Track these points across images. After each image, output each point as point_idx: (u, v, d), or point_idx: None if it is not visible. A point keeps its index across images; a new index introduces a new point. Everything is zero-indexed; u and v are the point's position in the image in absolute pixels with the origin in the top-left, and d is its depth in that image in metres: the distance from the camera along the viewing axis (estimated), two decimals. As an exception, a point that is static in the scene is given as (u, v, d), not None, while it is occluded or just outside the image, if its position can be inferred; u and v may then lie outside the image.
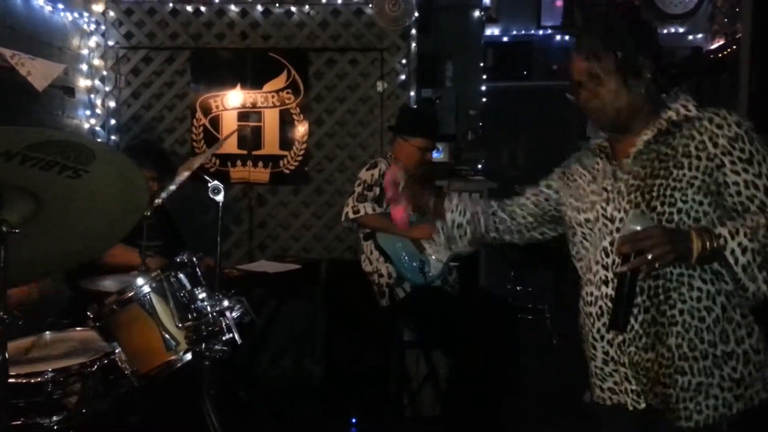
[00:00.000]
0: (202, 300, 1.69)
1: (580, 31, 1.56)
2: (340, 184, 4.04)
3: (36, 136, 1.15)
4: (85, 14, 3.92)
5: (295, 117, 4.03)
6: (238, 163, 4.03)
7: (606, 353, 1.49)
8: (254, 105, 4.03)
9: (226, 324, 1.68)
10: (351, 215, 2.95)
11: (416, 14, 3.94)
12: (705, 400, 1.39)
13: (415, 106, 3.95)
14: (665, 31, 5.76)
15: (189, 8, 3.98)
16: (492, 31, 5.77)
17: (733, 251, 1.32)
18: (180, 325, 1.67)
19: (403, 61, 3.99)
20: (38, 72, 3.14)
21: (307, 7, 3.98)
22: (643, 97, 1.48)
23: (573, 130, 5.97)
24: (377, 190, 2.98)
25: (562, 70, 5.90)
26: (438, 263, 2.89)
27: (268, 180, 4.05)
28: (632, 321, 1.42)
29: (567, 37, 5.85)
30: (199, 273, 1.81)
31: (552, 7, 5.82)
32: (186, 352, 1.69)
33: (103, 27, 3.98)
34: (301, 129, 4.03)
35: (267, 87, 4.02)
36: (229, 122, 4.03)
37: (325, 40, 4.00)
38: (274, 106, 4.03)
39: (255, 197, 4.06)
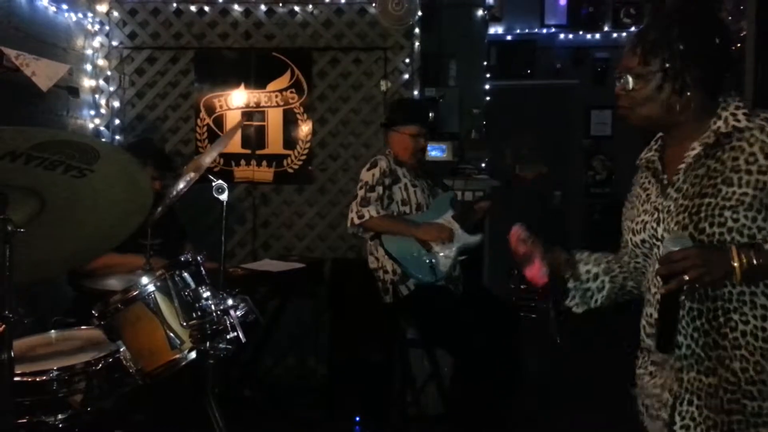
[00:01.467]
0: (207, 299, 1.70)
1: (643, 23, 1.52)
2: (343, 184, 4.04)
3: (41, 136, 1.16)
4: (89, 14, 3.93)
5: (298, 116, 4.04)
6: (242, 162, 4.04)
7: (647, 381, 1.45)
8: (258, 104, 4.04)
9: (231, 323, 1.69)
10: (356, 221, 2.94)
11: (419, 13, 3.94)
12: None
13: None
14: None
15: (193, 8, 3.99)
16: (495, 29, 5.76)
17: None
18: (184, 323, 1.68)
19: (407, 60, 3.99)
20: (43, 72, 3.16)
21: (310, 6, 3.98)
22: (685, 108, 1.41)
23: (577, 129, 5.97)
24: (380, 189, 2.97)
25: (565, 69, 5.90)
26: (446, 260, 2.88)
27: (272, 179, 4.06)
28: (693, 345, 1.36)
29: (570, 36, 5.84)
30: (203, 272, 1.82)
31: (556, 6, 5.81)
32: (190, 350, 1.70)
33: (107, 27, 3.99)
34: (304, 128, 4.04)
35: (270, 86, 4.03)
36: (233, 122, 4.03)
37: (328, 39, 4.01)
38: (278, 106, 4.04)
39: (259, 196, 4.07)
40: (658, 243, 1.42)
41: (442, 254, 2.89)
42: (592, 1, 5.80)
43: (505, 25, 5.84)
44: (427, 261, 2.87)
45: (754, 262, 1.26)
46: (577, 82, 5.88)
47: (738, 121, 1.37)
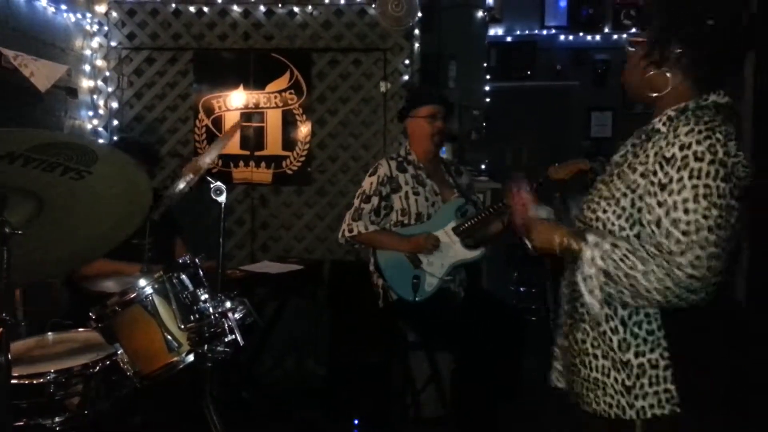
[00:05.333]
0: (205, 301, 1.69)
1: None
2: (342, 185, 4.03)
3: (39, 138, 1.15)
4: (88, 15, 3.92)
5: (297, 117, 4.03)
6: (241, 163, 4.03)
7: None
8: (257, 105, 4.03)
9: (229, 325, 1.67)
10: (347, 234, 2.93)
11: (419, 14, 3.93)
12: (603, 396, 1.43)
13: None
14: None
15: (192, 9, 3.98)
16: (496, 31, 5.76)
17: (583, 260, 1.35)
18: (182, 326, 1.67)
19: (407, 62, 3.98)
20: (41, 73, 3.15)
21: (309, 7, 3.97)
22: (661, 86, 1.39)
23: (577, 130, 5.96)
24: (375, 200, 2.92)
25: (565, 71, 5.90)
26: (433, 279, 2.82)
27: (271, 181, 4.04)
28: (563, 308, 1.54)
29: (571, 37, 5.84)
30: (202, 274, 1.81)
31: (556, 8, 5.81)
32: (188, 353, 1.69)
33: (105, 28, 3.98)
34: (303, 129, 4.03)
35: (270, 87, 4.02)
36: (232, 123, 4.02)
37: (327, 40, 4.00)
38: (277, 107, 4.03)
39: (257, 198, 4.05)
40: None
41: (429, 272, 2.83)
42: (592, 3, 5.80)
43: (505, 27, 5.84)
44: (412, 278, 2.79)
45: (571, 248, 1.38)
46: (577, 83, 5.88)
47: (660, 122, 1.38)
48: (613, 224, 1.38)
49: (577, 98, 5.93)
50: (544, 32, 5.87)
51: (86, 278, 2.57)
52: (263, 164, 4.03)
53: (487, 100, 5.12)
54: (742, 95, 3.08)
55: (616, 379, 1.41)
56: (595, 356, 1.43)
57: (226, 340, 1.67)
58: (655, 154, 1.32)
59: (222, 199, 1.99)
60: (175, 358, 1.67)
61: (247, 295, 1.87)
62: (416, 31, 3.98)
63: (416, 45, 3.99)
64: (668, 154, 1.29)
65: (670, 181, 1.27)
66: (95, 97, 3.98)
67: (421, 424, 3.20)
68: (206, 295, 1.69)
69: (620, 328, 1.40)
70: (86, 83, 3.94)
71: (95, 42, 3.97)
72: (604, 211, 1.39)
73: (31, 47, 3.22)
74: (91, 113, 3.97)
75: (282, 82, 4.01)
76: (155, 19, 3.99)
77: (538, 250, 1.49)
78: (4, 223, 1.23)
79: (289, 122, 4.03)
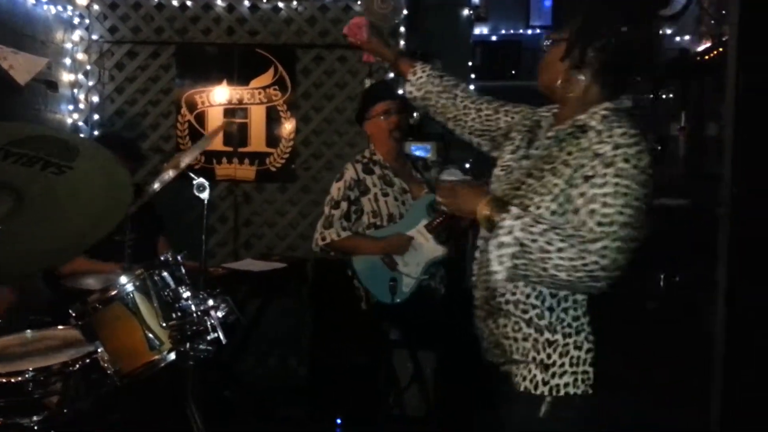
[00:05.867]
0: (187, 299, 1.67)
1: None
2: (326, 183, 3.99)
3: (19, 132, 1.12)
4: (69, 7, 3.86)
5: (282, 114, 4.00)
6: (224, 160, 4.00)
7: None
8: (240, 101, 3.99)
9: (211, 323, 1.65)
10: (320, 242, 2.90)
11: (405, 12, 3.92)
12: (520, 370, 1.50)
13: None
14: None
15: (175, 2, 3.93)
16: (481, 30, 5.78)
17: (502, 228, 1.38)
18: (164, 324, 1.64)
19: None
20: (21, 66, 3.09)
21: (294, 2, 3.95)
22: (573, 87, 1.49)
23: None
24: (344, 205, 2.89)
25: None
26: (410, 280, 2.80)
27: (254, 177, 4.02)
28: (478, 294, 1.59)
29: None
30: (184, 271, 1.78)
31: (541, 7, 5.84)
32: (170, 351, 1.66)
33: (87, 20, 3.92)
34: (287, 126, 4.00)
35: (254, 83, 3.99)
36: (215, 118, 3.99)
37: (312, 36, 3.98)
38: (261, 103, 4.00)
39: (240, 195, 4.03)
40: (495, 186, 1.60)
41: (405, 273, 2.80)
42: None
43: (491, 26, 5.86)
44: (389, 281, 2.77)
45: (495, 218, 1.40)
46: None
47: (593, 120, 1.44)
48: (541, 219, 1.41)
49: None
50: (529, 32, 5.90)
51: (66, 276, 2.54)
52: (246, 161, 4.00)
53: (472, 99, 5.12)
54: (723, 100, 3.12)
55: (534, 359, 1.48)
56: (515, 339, 1.50)
57: (208, 338, 1.65)
58: (587, 148, 1.39)
59: (205, 195, 1.96)
60: (157, 357, 1.65)
61: (229, 293, 1.84)
62: (401, 29, 3.98)
63: (401, 43, 3.98)
64: (600, 151, 1.37)
65: (595, 175, 1.35)
66: (76, 91, 3.92)
67: (404, 423, 3.20)
68: (188, 293, 1.67)
69: (546, 314, 1.46)
70: (66, 77, 3.87)
71: (76, 35, 3.90)
72: (538, 207, 1.43)
73: (10, 39, 3.16)
74: (71, 107, 3.91)
75: (266, 78, 3.98)
76: (137, 13, 3.93)
77: (457, 213, 1.53)
78: (-19, 219, 1.21)
79: (273, 119, 4.00)
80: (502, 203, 1.44)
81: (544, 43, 1.58)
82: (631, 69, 1.49)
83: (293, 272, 3.51)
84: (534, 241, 1.34)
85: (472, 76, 5.12)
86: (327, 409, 3.28)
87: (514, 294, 1.49)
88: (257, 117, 4.00)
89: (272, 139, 4.01)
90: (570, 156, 1.42)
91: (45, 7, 3.64)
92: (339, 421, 3.20)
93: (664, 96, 5.99)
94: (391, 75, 3.96)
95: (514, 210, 1.40)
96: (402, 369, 3.22)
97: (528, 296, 1.47)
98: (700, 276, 4.50)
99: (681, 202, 5.57)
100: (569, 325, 1.46)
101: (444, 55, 4.78)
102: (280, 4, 3.95)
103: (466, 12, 4.93)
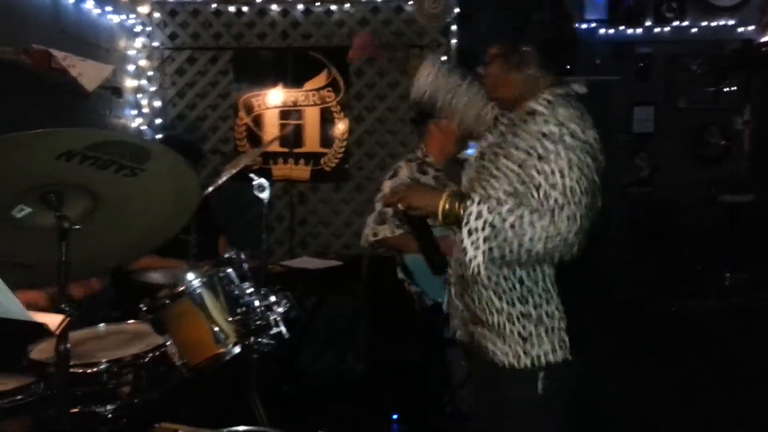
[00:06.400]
0: (250, 295, 1.72)
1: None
2: (380, 182, 4.04)
3: (95, 137, 1.19)
4: (132, 16, 4.02)
5: (335, 115, 4.06)
6: (280, 160, 4.09)
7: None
8: (295, 103, 4.07)
9: (274, 318, 1.71)
10: (371, 239, 2.90)
11: (456, 11, 3.92)
12: (501, 345, 1.58)
13: None
14: (714, 24, 5.58)
15: (231, 9, 4.04)
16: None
17: (470, 214, 1.45)
18: (229, 318, 1.70)
19: (444, 58, 3.97)
20: (88, 73, 3.24)
21: (347, 5, 4.00)
22: (523, 84, 1.58)
23: (618, 125, 5.84)
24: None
25: (606, 65, 5.78)
26: None
27: (309, 177, 4.09)
28: (451, 270, 1.67)
29: (611, 31, 5.73)
30: (246, 269, 1.85)
31: (595, 1, 5.70)
32: (235, 345, 1.72)
33: (148, 28, 4.08)
34: (341, 127, 4.06)
35: (308, 85, 4.06)
36: (271, 121, 4.08)
37: (365, 37, 4.01)
38: (315, 105, 4.07)
39: (296, 195, 4.11)
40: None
41: None
42: (633, -4, 5.68)
43: (543, 21, 5.75)
44: (440, 280, 2.78)
45: (456, 208, 1.48)
46: (618, 78, 5.76)
47: (539, 105, 1.54)
48: (504, 201, 1.50)
49: (618, 93, 5.81)
50: (584, 26, 5.77)
51: (133, 271, 2.65)
52: (302, 161, 4.08)
53: (525, 95, 5.06)
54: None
55: (512, 331, 1.56)
56: (491, 313, 1.58)
57: (270, 332, 1.70)
58: (536, 131, 1.49)
59: (265, 195, 2.03)
60: (222, 350, 1.71)
61: (287, 290, 1.90)
62: (453, 27, 3.97)
63: (453, 41, 3.97)
64: (546, 131, 1.47)
65: (548, 152, 1.45)
66: (139, 96, 4.08)
67: (458, 420, 3.20)
68: (251, 289, 1.73)
69: (518, 286, 1.55)
70: (130, 83, 4.04)
71: (138, 42, 4.07)
72: (494, 188, 1.53)
73: (78, 48, 3.32)
74: (135, 112, 4.07)
75: (320, 80, 4.05)
76: (196, 20, 4.07)
77: (418, 211, 1.57)
78: (63, 219, 1.28)
79: (326, 120, 4.06)
80: (461, 195, 1.52)
81: (478, 69, 1.71)
82: (562, 55, 1.63)
83: (348, 270, 3.55)
84: (504, 220, 1.42)
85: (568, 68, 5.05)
86: (382, 406, 3.30)
87: (487, 267, 1.55)
88: (311, 118, 4.07)
89: (326, 140, 4.07)
90: (521, 140, 1.52)
91: (109, 16, 3.80)
92: (395, 416, 3.22)
93: (727, 89, 5.76)
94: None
95: (477, 196, 1.49)
96: (456, 367, 3.22)
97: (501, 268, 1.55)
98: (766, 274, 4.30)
99: (746, 198, 5.34)
100: (539, 296, 1.55)
101: (496, 52, 4.74)
102: (333, 7, 4.01)
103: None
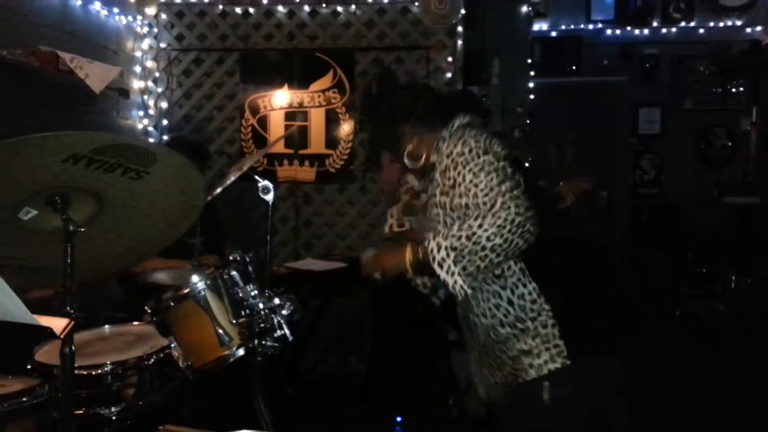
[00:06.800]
0: (255, 297, 1.72)
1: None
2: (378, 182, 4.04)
3: (101, 140, 1.19)
4: (139, 17, 4.04)
5: (340, 116, 4.06)
6: (285, 162, 4.09)
7: None
8: (301, 105, 4.08)
9: (278, 321, 1.71)
10: (396, 228, 2.92)
11: (463, 11, 3.91)
12: (511, 367, 1.68)
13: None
14: (721, 25, 5.56)
15: (238, 10, 4.05)
16: (540, 26, 5.67)
17: (431, 250, 1.58)
18: (234, 321, 1.71)
19: (449, 59, 3.96)
20: (95, 75, 3.25)
21: (353, 6, 4.00)
22: (426, 147, 1.77)
23: (624, 127, 5.83)
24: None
25: (612, 66, 5.77)
26: None
27: (314, 179, 4.09)
28: (464, 326, 1.82)
29: (618, 32, 5.71)
30: (251, 271, 1.85)
31: (602, 1, 5.69)
32: (239, 347, 1.72)
33: (155, 29, 4.09)
34: (346, 128, 4.06)
35: (313, 87, 4.06)
36: (277, 122, 4.09)
37: (371, 39, 4.02)
38: (321, 106, 4.07)
39: (301, 196, 4.11)
40: None
41: None
42: (640, -4, 5.66)
43: (550, 22, 5.75)
44: None
45: (420, 255, 1.64)
46: (624, 78, 5.74)
47: (440, 145, 1.73)
48: (445, 221, 1.68)
49: (625, 94, 5.80)
50: (590, 26, 5.75)
51: (137, 273, 2.65)
52: (307, 163, 4.09)
53: (531, 97, 5.04)
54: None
55: (519, 350, 1.65)
56: (497, 342, 1.68)
57: (275, 335, 1.70)
58: (440, 171, 1.68)
59: (269, 197, 2.02)
60: (227, 352, 1.71)
61: (291, 291, 1.89)
62: (459, 28, 3.97)
63: (459, 42, 3.97)
64: (443, 167, 1.66)
65: (454, 180, 1.62)
66: (146, 97, 4.10)
67: (463, 424, 3.19)
68: (256, 291, 1.73)
69: (510, 309, 1.64)
70: (137, 84, 4.06)
71: (145, 44, 4.08)
72: (440, 223, 1.69)
73: (85, 50, 3.34)
74: (141, 113, 4.09)
75: (325, 81, 4.05)
76: (203, 21, 4.08)
77: (388, 274, 1.74)
78: (69, 222, 1.29)
79: (332, 121, 4.07)
80: (419, 242, 1.65)
81: (381, 180, 2.02)
82: (421, 114, 1.78)
83: (353, 272, 3.53)
84: (459, 237, 1.54)
85: (532, 73, 5.05)
86: (386, 408, 3.30)
87: (479, 305, 1.68)
88: (317, 119, 4.08)
89: (331, 141, 4.07)
90: (436, 184, 1.71)
91: (116, 17, 3.82)
92: (398, 419, 3.22)
93: (734, 90, 5.73)
94: (449, 74, 3.95)
95: (428, 234, 1.63)
96: (461, 370, 3.21)
97: (488, 300, 1.67)
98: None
99: (751, 201, 5.31)
100: (531, 310, 1.63)
101: (503, 53, 4.74)
102: (339, 9, 4.01)
103: (524, 9, 4.86)
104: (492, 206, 1.54)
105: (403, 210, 2.94)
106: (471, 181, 1.58)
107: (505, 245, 1.53)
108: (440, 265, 1.57)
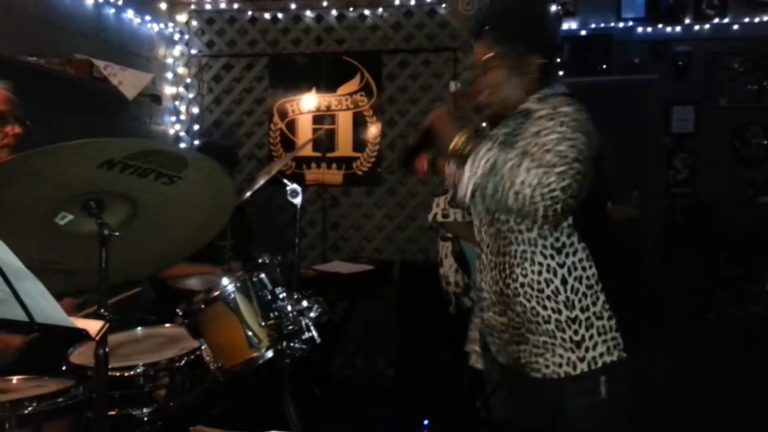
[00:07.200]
0: (283, 299, 1.74)
1: (485, 20, 1.74)
2: (411, 186, 4.05)
3: (135, 146, 1.22)
4: (170, 24, 4.12)
5: (368, 119, 4.08)
6: (313, 165, 4.12)
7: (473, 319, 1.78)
8: (328, 108, 4.10)
9: (306, 323, 1.72)
10: (439, 218, 2.91)
11: (490, 12, 3.89)
12: (552, 357, 1.55)
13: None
14: (756, 20, 5.42)
15: (267, 15, 4.10)
16: (570, 25, 5.60)
17: (479, 152, 1.48)
18: (263, 323, 1.73)
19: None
20: (129, 82, 3.33)
21: (380, 9, 4.01)
22: (523, 89, 1.64)
23: (656, 126, 5.72)
24: None
25: (644, 64, 5.67)
26: None
27: (342, 182, 4.11)
28: (489, 291, 1.66)
29: (649, 29, 5.61)
30: (279, 273, 1.87)
31: (634, -1, 5.59)
32: (268, 349, 1.74)
33: (186, 36, 4.17)
34: (373, 131, 4.07)
35: (341, 90, 4.09)
36: (305, 126, 4.12)
37: (397, 41, 4.02)
38: (348, 109, 4.09)
39: (329, 199, 4.13)
40: None
41: None
42: (672, -7, 5.55)
43: (580, 20, 5.67)
44: None
45: (467, 147, 1.52)
46: (656, 77, 5.64)
47: (531, 104, 1.61)
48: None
49: (657, 92, 5.69)
50: (621, 24, 5.66)
51: (168, 278, 2.71)
52: (334, 165, 4.11)
53: (560, 97, 4.99)
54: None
55: (563, 339, 1.54)
56: (538, 323, 1.56)
57: (303, 337, 1.71)
58: (533, 119, 1.55)
59: (298, 201, 2.05)
60: (256, 354, 1.73)
61: (319, 294, 1.91)
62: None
63: (487, 43, 3.94)
64: (542, 114, 1.54)
65: (545, 128, 1.51)
66: (177, 103, 4.17)
67: (490, 426, 3.17)
68: (284, 294, 1.75)
69: (561, 289, 1.54)
70: (169, 90, 4.13)
71: (177, 50, 4.16)
72: None
73: (118, 57, 3.42)
74: (173, 119, 4.16)
75: (353, 85, 4.07)
76: (233, 27, 4.14)
77: (438, 134, 1.61)
78: (104, 226, 1.32)
79: (359, 124, 4.08)
80: (477, 137, 1.54)
81: (461, 81, 1.74)
82: (550, 59, 1.69)
83: (380, 274, 3.56)
84: (505, 162, 1.46)
85: (561, 72, 4.99)
86: (414, 411, 3.30)
87: (525, 275, 1.56)
88: (344, 123, 4.10)
89: (359, 144, 4.09)
90: (520, 136, 1.56)
91: (149, 25, 3.90)
92: (426, 422, 3.22)
93: (771, 87, 5.58)
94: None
95: (489, 143, 1.52)
96: (489, 372, 3.19)
97: (540, 273, 1.55)
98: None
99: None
100: (584, 296, 1.54)
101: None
102: (366, 12, 4.03)
103: (553, 8, 4.81)
104: (554, 166, 1.45)
105: (449, 201, 2.94)
106: (555, 140, 1.48)
107: (527, 200, 1.45)
108: (472, 164, 1.48)
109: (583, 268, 1.55)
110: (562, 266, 1.55)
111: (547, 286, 1.54)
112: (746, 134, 5.58)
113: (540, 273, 1.55)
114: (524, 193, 1.43)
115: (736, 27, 5.45)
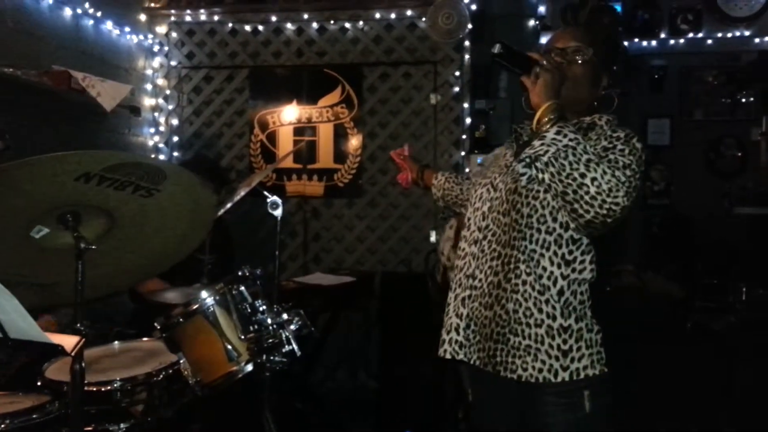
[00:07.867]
0: (263, 312, 1.74)
1: (583, 21, 1.78)
2: (393, 197, 4.06)
3: (112, 159, 1.22)
4: (150, 36, 4.10)
5: (349, 131, 4.09)
6: (294, 176, 4.12)
7: (450, 306, 1.68)
8: (309, 120, 4.11)
9: (286, 336, 1.72)
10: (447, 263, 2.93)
11: (469, 26, 3.93)
12: (533, 362, 1.53)
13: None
14: (729, 35, 5.55)
15: (247, 28, 4.10)
16: (548, 39, 5.68)
17: (550, 130, 1.47)
18: (242, 336, 1.72)
19: (457, 73, 3.99)
20: (107, 93, 3.30)
21: (361, 22, 4.04)
22: (591, 100, 1.66)
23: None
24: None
25: (619, 77, 5.76)
26: None
27: (323, 193, 4.11)
28: (483, 280, 1.60)
29: (625, 43, 5.71)
30: (259, 285, 1.86)
31: (608, 15, 5.69)
32: (247, 363, 1.73)
33: (166, 48, 4.15)
34: (354, 142, 4.09)
35: (322, 102, 4.10)
36: (286, 137, 4.12)
37: (378, 54, 4.05)
38: (329, 121, 4.10)
39: (310, 210, 4.13)
40: (491, 189, 1.66)
41: None
42: (647, 8, 5.67)
43: (556, 36, 5.75)
44: None
45: (546, 125, 1.49)
46: (632, 90, 5.74)
47: (599, 120, 1.64)
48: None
49: (633, 105, 5.79)
50: (597, 39, 5.75)
51: (143, 293, 2.67)
52: (315, 177, 4.11)
53: (539, 109, 5.05)
54: None
55: (551, 345, 1.53)
56: (528, 325, 1.53)
57: (283, 350, 1.71)
58: (603, 134, 1.58)
59: (278, 213, 2.05)
60: (235, 368, 1.72)
61: (300, 306, 1.90)
62: (466, 43, 3.99)
63: (466, 56, 3.99)
64: (615, 135, 1.56)
65: (618, 148, 1.52)
66: (156, 114, 4.15)
67: (473, 437, 3.17)
68: (264, 307, 1.74)
69: (558, 299, 1.53)
70: (148, 101, 4.11)
71: (156, 62, 4.14)
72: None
73: (97, 68, 3.39)
74: (152, 130, 4.14)
75: (334, 97, 4.09)
76: (213, 39, 4.13)
77: (536, 80, 1.54)
78: (80, 239, 1.31)
79: (340, 135, 4.09)
80: (560, 119, 1.50)
81: (568, 60, 1.66)
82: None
83: (361, 286, 3.55)
84: (584, 152, 1.44)
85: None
86: (395, 423, 3.28)
87: (529, 274, 1.54)
88: (325, 134, 4.11)
89: (340, 156, 4.10)
90: (589, 139, 1.57)
91: (128, 36, 3.88)
92: (408, 434, 3.20)
93: (743, 100, 5.70)
94: (456, 88, 3.98)
95: (572, 128, 1.49)
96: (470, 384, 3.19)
97: (540, 276, 1.54)
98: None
99: (763, 211, 5.27)
100: (575, 309, 1.54)
101: (509, 67, 4.75)
102: (347, 25, 4.05)
103: (532, 23, 4.88)
104: (621, 184, 1.43)
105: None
106: (627, 163, 1.49)
107: (587, 200, 1.43)
108: (557, 133, 1.45)
109: (579, 284, 1.55)
110: (564, 278, 1.54)
111: (546, 291, 1.53)
112: (720, 147, 5.70)
113: (541, 277, 1.53)
114: (590, 192, 1.42)
115: (710, 41, 5.58)
